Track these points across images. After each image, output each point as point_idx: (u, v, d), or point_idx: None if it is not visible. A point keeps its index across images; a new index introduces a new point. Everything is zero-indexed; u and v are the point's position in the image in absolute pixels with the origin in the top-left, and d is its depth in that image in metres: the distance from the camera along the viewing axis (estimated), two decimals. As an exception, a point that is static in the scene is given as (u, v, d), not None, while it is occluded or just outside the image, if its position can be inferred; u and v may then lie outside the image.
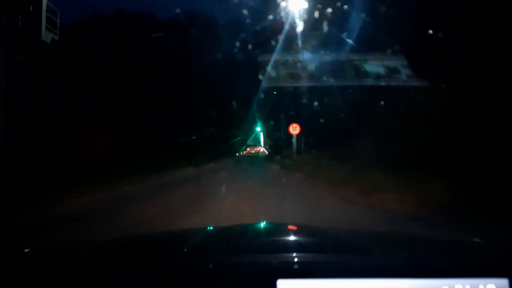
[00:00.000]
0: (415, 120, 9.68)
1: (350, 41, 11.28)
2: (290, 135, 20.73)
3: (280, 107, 24.46)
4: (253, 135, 58.35)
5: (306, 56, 11.27)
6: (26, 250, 1.52)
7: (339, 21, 11.39)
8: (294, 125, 17.88)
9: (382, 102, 11.17)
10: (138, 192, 8.69)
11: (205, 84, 26.02)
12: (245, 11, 18.02)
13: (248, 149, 59.49)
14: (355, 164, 10.02)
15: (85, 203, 6.80)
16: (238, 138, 44.33)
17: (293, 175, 13.44)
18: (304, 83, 11.92)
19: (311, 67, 10.90)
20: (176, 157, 18.48)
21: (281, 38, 11.92)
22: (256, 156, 45.43)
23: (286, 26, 11.73)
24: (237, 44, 19.94)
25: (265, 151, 57.00)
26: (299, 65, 10.95)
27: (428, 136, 8.97)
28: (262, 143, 67.33)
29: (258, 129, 49.94)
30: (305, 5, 10.72)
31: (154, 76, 21.58)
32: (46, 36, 12.52)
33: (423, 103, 9.57)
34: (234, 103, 29.11)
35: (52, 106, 15.57)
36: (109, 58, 19.83)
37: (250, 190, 8.97)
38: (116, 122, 17.45)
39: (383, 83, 10.06)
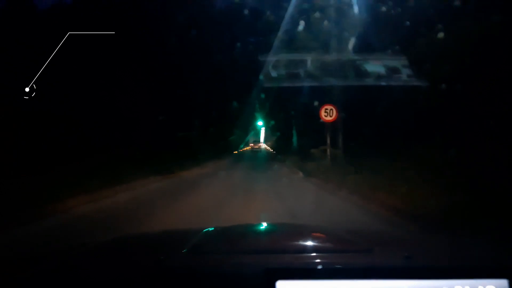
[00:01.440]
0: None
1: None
2: (311, 127, 14.42)
3: (291, 97, 19.42)
4: (253, 131, 57.99)
5: (309, 53, 10.75)
6: None
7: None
8: (328, 107, 10.41)
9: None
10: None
11: (201, 80, 21.21)
12: (246, 11, 19.18)
13: (251, 144, 62.78)
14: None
15: None
16: (236, 136, 39.36)
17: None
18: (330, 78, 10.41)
19: (314, 64, 10.25)
20: (147, 160, 12.42)
21: (281, 36, 11.99)
22: (258, 152, 44.21)
23: (286, 25, 11.96)
24: (237, 40, 19.67)
25: (267, 147, 55.72)
26: (299, 62, 10.30)
27: None
28: (263, 139, 67.92)
29: (260, 123, 45.41)
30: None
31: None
32: None
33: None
34: (233, 100, 24.85)
35: None
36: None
37: None
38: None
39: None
